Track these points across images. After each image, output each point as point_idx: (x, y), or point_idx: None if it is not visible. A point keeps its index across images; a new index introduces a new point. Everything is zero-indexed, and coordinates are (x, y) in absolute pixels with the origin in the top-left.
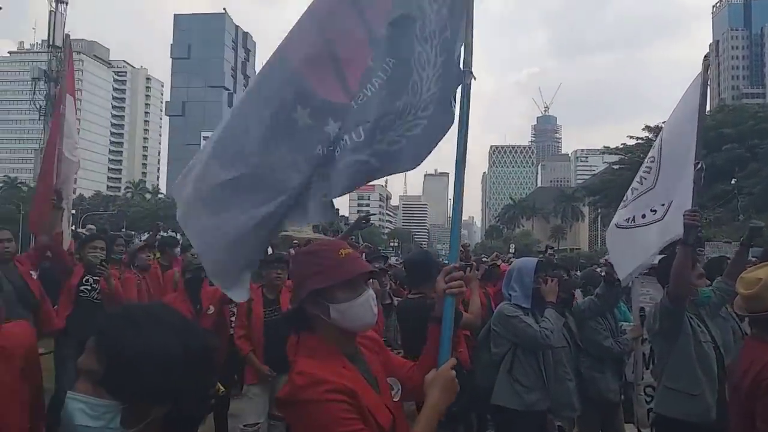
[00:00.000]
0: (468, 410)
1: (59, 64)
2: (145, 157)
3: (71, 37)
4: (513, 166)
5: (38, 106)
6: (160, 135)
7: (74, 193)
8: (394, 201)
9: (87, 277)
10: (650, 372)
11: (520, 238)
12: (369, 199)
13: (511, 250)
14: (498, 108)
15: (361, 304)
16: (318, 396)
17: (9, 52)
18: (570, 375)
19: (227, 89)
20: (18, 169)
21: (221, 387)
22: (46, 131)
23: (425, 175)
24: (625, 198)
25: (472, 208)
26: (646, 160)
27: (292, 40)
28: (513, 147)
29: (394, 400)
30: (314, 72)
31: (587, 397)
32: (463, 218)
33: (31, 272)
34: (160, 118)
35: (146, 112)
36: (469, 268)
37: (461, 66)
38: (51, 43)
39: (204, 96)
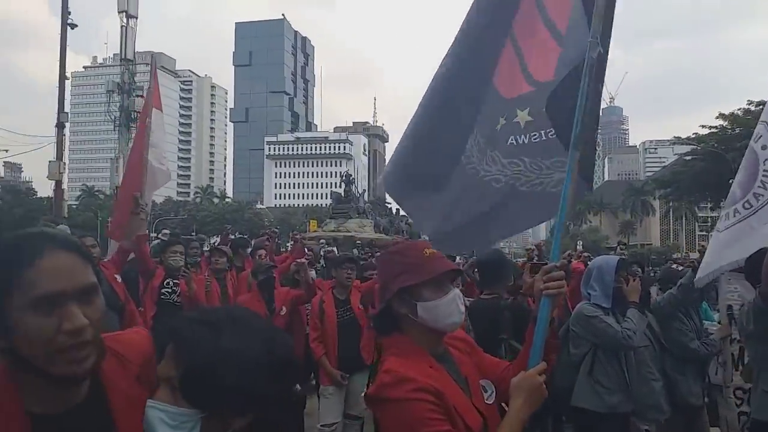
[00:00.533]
0: (545, 412)
1: (131, 77)
2: (211, 162)
3: (138, 50)
4: None
5: (113, 118)
6: (225, 141)
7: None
8: None
9: (168, 280)
10: (740, 374)
11: (588, 235)
12: None
13: (579, 247)
14: None
15: (448, 302)
16: (403, 395)
17: (84, 67)
18: (655, 375)
19: (288, 94)
20: (94, 178)
21: (298, 386)
22: (120, 141)
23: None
24: (736, 199)
25: None
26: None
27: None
28: None
29: (488, 402)
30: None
31: (671, 399)
32: None
33: (115, 276)
34: (225, 125)
35: (212, 119)
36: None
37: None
38: (123, 56)
39: (266, 101)
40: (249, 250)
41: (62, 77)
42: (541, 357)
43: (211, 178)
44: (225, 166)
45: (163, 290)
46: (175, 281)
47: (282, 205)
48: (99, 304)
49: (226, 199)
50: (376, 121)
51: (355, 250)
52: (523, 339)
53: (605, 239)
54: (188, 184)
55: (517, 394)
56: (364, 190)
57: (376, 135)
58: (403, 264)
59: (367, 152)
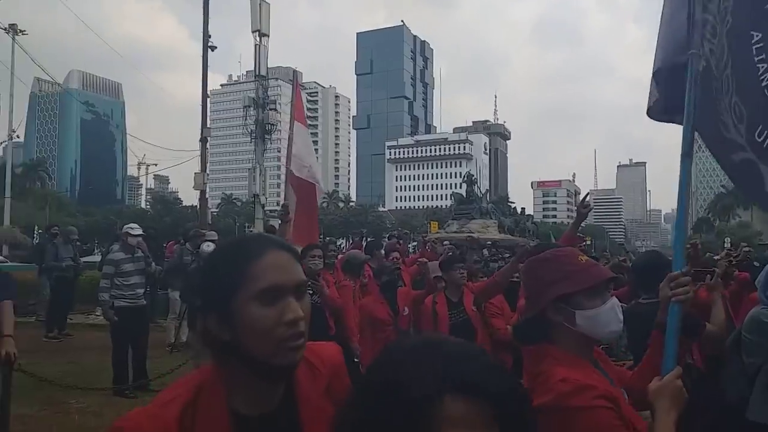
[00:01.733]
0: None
1: (264, 92)
2: (336, 168)
3: (271, 65)
4: None
5: (249, 131)
6: (349, 148)
7: (277, 204)
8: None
9: (309, 282)
10: None
11: (737, 231)
12: (555, 195)
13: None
14: None
15: (607, 311)
16: (587, 402)
17: (221, 85)
18: None
19: (407, 98)
20: (233, 186)
21: None
22: (256, 152)
23: (618, 166)
24: None
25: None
26: None
27: None
28: None
29: None
30: None
31: None
32: (665, 210)
33: None
34: (349, 132)
35: (336, 128)
36: (709, 276)
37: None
38: (257, 73)
39: (386, 107)
40: (382, 251)
41: (204, 95)
42: (675, 362)
43: (336, 184)
44: (349, 171)
45: None
46: (314, 283)
47: (403, 208)
48: (308, 301)
49: (350, 203)
50: (497, 119)
51: (485, 251)
52: (647, 346)
53: (757, 235)
54: None
55: (660, 400)
56: (487, 190)
57: (496, 133)
58: (561, 271)
59: (487, 151)
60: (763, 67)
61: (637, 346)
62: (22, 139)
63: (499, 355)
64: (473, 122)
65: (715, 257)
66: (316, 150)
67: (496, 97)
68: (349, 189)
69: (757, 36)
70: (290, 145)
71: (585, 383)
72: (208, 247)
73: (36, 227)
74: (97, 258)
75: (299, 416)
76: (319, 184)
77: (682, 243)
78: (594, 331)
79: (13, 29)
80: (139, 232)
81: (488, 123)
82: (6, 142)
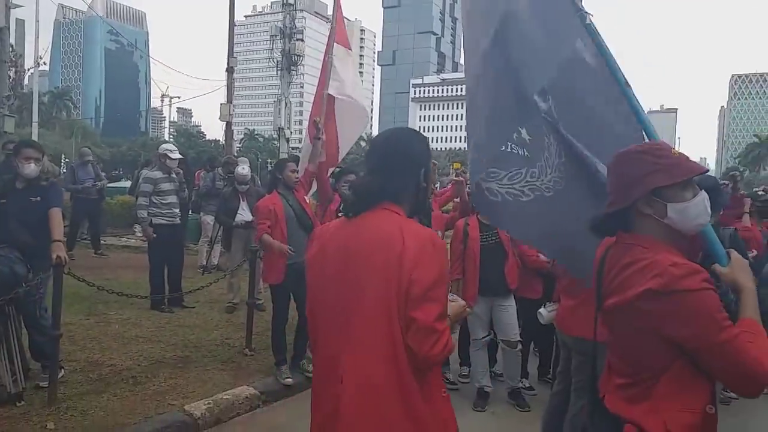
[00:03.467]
0: None
1: (292, 22)
2: None
3: None
4: (759, 98)
5: (275, 62)
6: (373, 85)
7: (298, 141)
8: None
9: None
10: None
11: (766, 182)
12: None
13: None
14: (740, 30)
15: (697, 203)
16: (699, 285)
17: (245, 16)
18: None
19: (435, 34)
20: (255, 122)
21: None
22: (282, 84)
23: (648, 112)
24: None
25: (705, 147)
26: None
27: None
28: (761, 75)
29: None
30: None
31: None
32: (695, 158)
33: (305, 197)
34: (373, 69)
35: (360, 63)
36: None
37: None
38: (285, 1)
39: (413, 43)
40: None
41: (231, 24)
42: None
43: None
44: (372, 110)
45: (338, 215)
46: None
47: None
48: None
49: None
50: None
51: None
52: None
53: None
54: None
55: (737, 276)
56: None
57: None
58: (657, 164)
59: None
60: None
61: None
62: (47, 68)
63: (528, 281)
64: None
65: (759, 191)
66: None
67: None
68: (371, 128)
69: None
70: (325, 66)
71: (694, 267)
72: (243, 169)
73: (63, 156)
74: (125, 184)
75: None
76: (359, 102)
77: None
78: (683, 224)
79: None
80: (178, 156)
81: None
82: (33, 69)
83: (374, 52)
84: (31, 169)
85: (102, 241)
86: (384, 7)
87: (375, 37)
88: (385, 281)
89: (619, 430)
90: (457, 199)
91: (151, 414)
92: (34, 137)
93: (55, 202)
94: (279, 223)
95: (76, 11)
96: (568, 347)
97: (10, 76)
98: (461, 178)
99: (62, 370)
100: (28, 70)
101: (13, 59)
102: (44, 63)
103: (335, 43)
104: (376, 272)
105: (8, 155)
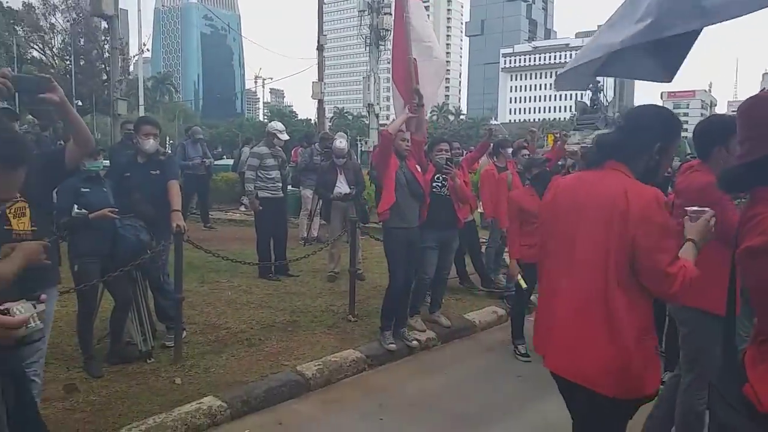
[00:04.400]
0: None
1: None
2: (447, 80)
3: None
4: None
5: (363, 37)
6: (461, 57)
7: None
8: (721, 108)
9: (437, 175)
10: None
11: None
12: (688, 107)
13: None
14: None
15: None
16: None
17: None
18: None
19: (526, 0)
20: (343, 101)
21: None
22: (370, 60)
23: (764, 74)
24: None
25: None
26: None
27: None
28: None
29: None
30: None
31: None
32: None
33: (416, 166)
34: (461, 40)
35: (447, 35)
36: None
37: None
38: None
39: (502, 11)
40: (510, 150)
41: (320, 1)
42: None
43: (447, 96)
44: (459, 83)
45: (433, 184)
46: (443, 177)
47: (517, 121)
48: None
49: (461, 116)
50: None
51: None
52: None
53: None
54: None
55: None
56: (613, 98)
57: None
58: None
59: None
60: None
61: None
62: (149, 54)
63: None
64: (598, 25)
65: None
66: None
67: None
68: (459, 101)
69: None
70: (408, 30)
71: None
72: (340, 143)
73: (168, 138)
74: (228, 162)
75: None
76: (439, 59)
77: None
78: None
79: None
80: (286, 137)
81: None
82: (137, 56)
83: (461, 23)
84: (150, 144)
85: (210, 215)
86: None
87: (462, 7)
88: (605, 233)
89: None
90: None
91: (266, 373)
92: None
93: (173, 175)
94: (388, 180)
95: None
96: (675, 319)
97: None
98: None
99: (184, 332)
100: (133, 57)
101: (120, 47)
102: (147, 50)
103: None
104: (599, 224)
105: (126, 134)
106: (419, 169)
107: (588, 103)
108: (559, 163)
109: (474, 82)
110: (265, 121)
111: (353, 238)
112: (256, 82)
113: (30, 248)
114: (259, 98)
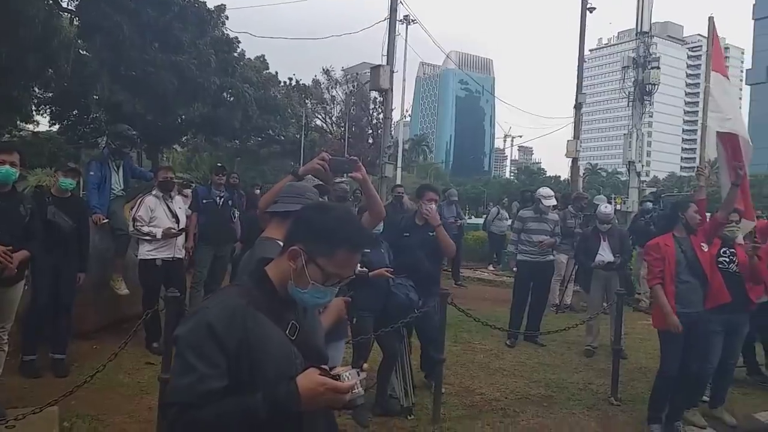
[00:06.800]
0: None
1: (646, 50)
2: None
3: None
4: None
5: (626, 93)
6: (740, 108)
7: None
8: None
9: (724, 249)
10: None
11: None
12: None
13: None
14: None
15: None
16: None
17: (590, 50)
18: None
19: None
20: (596, 156)
21: None
22: (633, 116)
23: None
24: None
25: None
26: None
27: None
28: None
29: None
30: None
31: None
32: None
33: (701, 244)
34: (740, 89)
35: None
36: None
37: None
38: (639, 30)
39: None
40: None
41: (581, 60)
42: None
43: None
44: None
45: (720, 259)
46: (731, 250)
47: None
48: None
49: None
50: None
51: None
52: None
53: None
54: (693, 158)
55: None
56: None
57: None
58: None
59: None
60: None
61: None
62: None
63: None
64: None
65: None
66: (695, 113)
67: None
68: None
69: None
70: (705, 99)
71: None
72: (606, 208)
73: None
74: (477, 221)
75: None
76: (744, 137)
77: None
78: None
79: (406, 20)
80: (553, 202)
81: None
82: (398, 121)
83: (741, 71)
84: (432, 209)
85: (460, 273)
86: (755, 19)
87: (742, 54)
88: None
89: None
90: None
91: None
92: (398, 180)
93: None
94: (668, 267)
95: (433, 66)
96: None
97: None
98: None
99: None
100: (395, 122)
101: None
102: (408, 115)
103: (712, 71)
104: None
105: (396, 197)
106: (704, 248)
107: None
108: None
109: (758, 131)
110: (511, 178)
111: (618, 312)
112: (504, 141)
113: (338, 304)
114: (506, 156)
